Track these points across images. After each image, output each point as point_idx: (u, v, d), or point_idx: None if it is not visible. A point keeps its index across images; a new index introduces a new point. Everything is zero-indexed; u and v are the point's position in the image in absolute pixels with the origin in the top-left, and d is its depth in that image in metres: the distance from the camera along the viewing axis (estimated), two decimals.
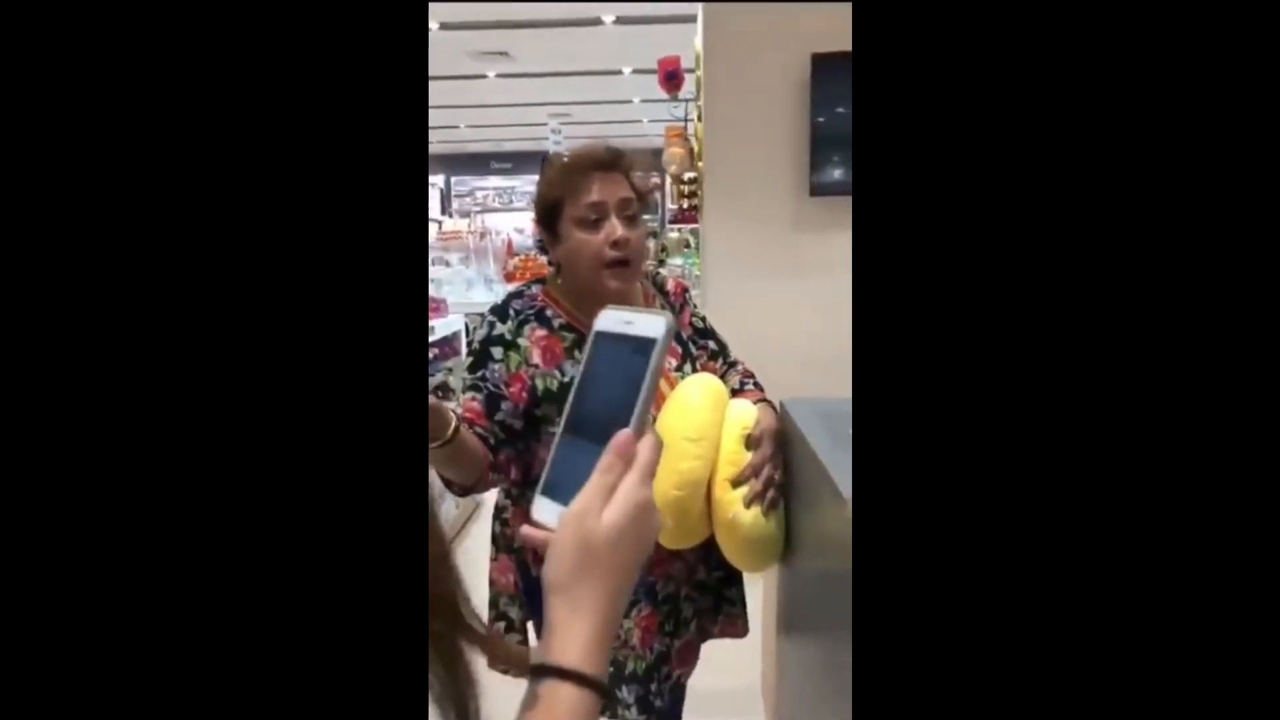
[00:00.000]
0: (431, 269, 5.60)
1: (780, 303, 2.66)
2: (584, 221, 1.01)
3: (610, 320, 0.48)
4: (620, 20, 5.17)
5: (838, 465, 0.84)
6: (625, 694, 1.06)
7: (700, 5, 2.64)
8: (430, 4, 4.82)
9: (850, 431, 0.97)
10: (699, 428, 1.00)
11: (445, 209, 11.97)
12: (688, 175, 3.69)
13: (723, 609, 1.19)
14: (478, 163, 12.67)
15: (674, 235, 5.47)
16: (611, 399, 0.46)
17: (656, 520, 0.45)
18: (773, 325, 2.64)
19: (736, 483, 0.99)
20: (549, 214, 1.06)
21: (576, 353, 1.04)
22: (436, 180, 12.63)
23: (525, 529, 0.46)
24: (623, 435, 0.44)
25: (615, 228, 1.00)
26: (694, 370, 1.12)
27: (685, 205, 3.97)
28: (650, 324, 0.46)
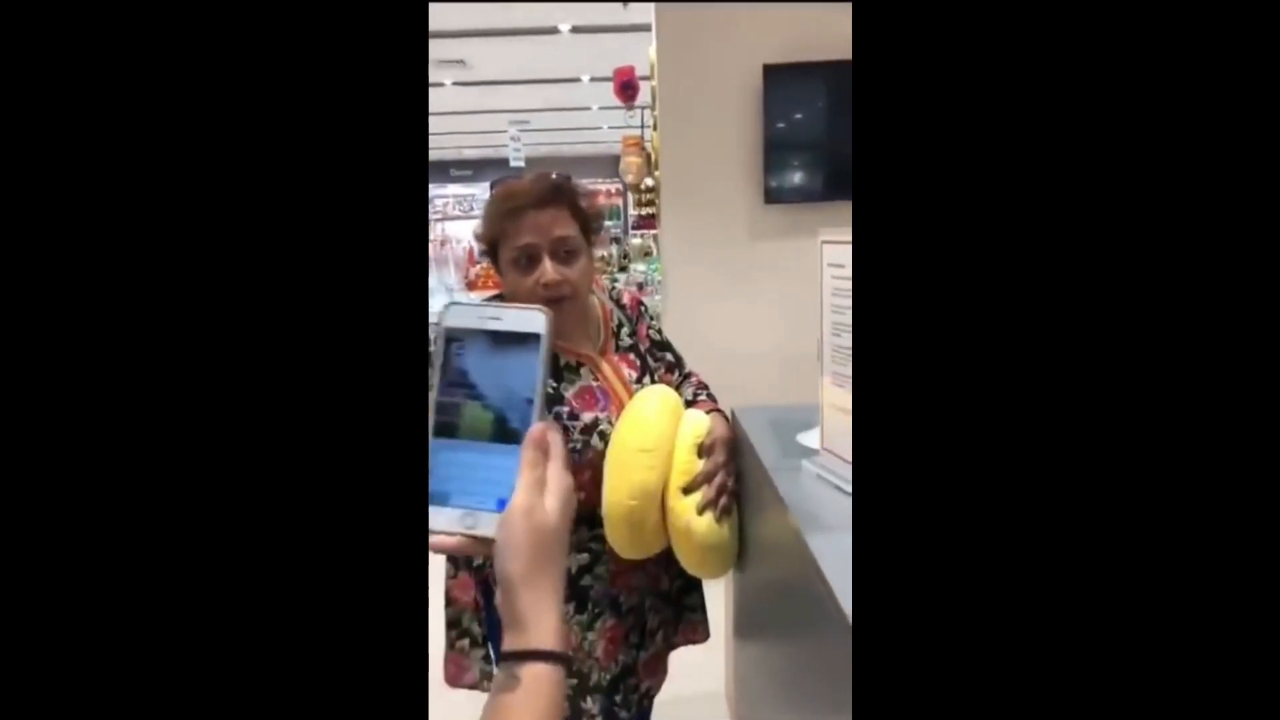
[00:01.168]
0: None
1: (738, 309, 2.70)
2: (516, 263, 1.03)
3: (467, 317, 0.48)
4: (577, 29, 5.19)
5: (782, 473, 0.86)
6: (590, 705, 1.07)
7: (654, 13, 2.67)
8: None
9: (797, 439, 1.00)
10: (654, 439, 1.01)
11: None
12: (645, 183, 3.71)
13: (684, 616, 1.20)
14: (438, 171, 12.55)
15: (636, 241, 5.49)
16: (495, 396, 0.46)
17: (574, 500, 0.48)
18: (732, 331, 2.68)
19: (688, 490, 1.01)
20: (491, 250, 1.08)
21: None
22: None
23: (435, 539, 0.47)
24: (538, 429, 0.45)
25: (546, 270, 1.01)
26: (652, 382, 1.14)
27: (643, 214, 3.99)
28: (527, 319, 0.47)
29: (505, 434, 0.46)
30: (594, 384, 1.08)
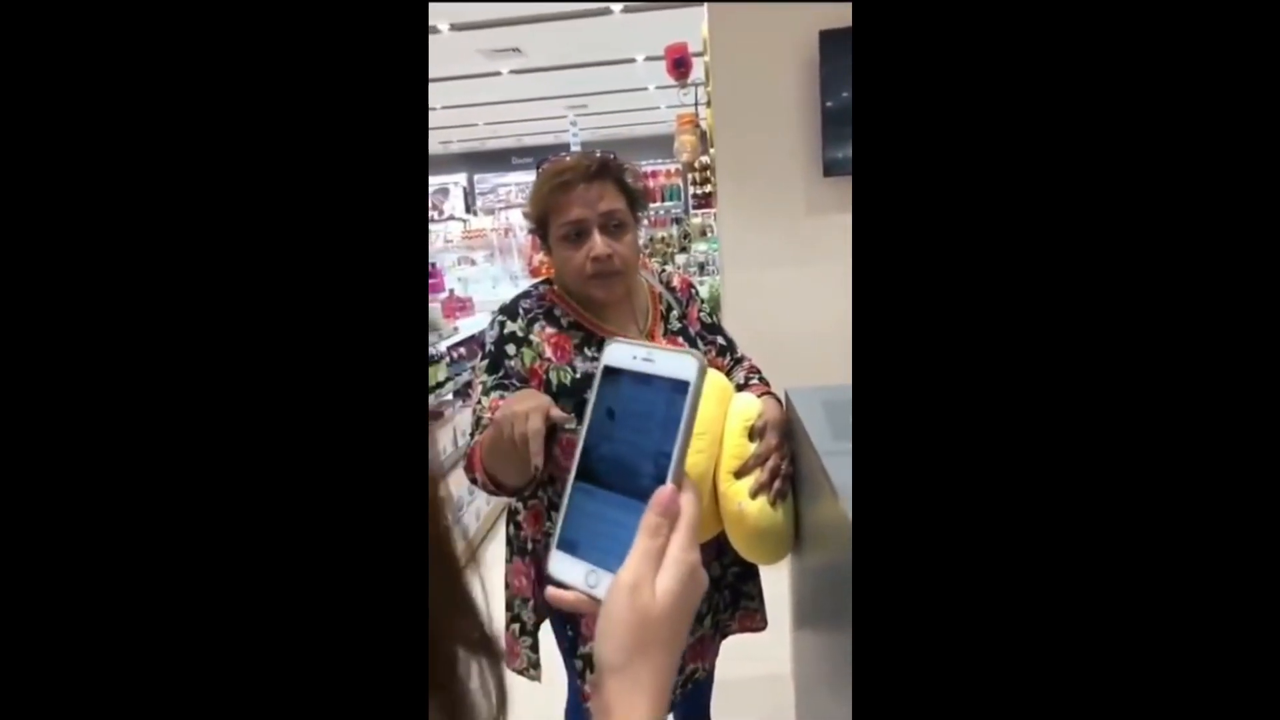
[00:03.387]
0: (458, 268, 5.65)
1: (797, 286, 2.63)
2: (566, 238, 1.02)
3: (622, 355, 0.44)
4: (628, 9, 5.13)
5: (834, 458, 0.83)
6: None
7: None
8: (439, 5, 4.85)
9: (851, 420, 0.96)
10: (702, 422, 1.00)
11: (470, 207, 12.07)
12: (701, 160, 3.66)
13: (740, 604, 1.19)
14: (499, 159, 12.73)
15: (697, 221, 5.44)
16: (637, 446, 0.41)
17: (704, 580, 0.41)
18: (791, 306, 2.61)
19: (740, 474, 0.99)
20: (540, 226, 1.07)
21: (586, 349, 1.04)
22: (459, 179, 12.72)
23: (551, 591, 0.44)
24: (666, 492, 0.39)
25: (595, 244, 1.00)
26: None
27: (699, 192, 3.94)
28: (677, 364, 0.41)
29: (638, 489, 0.41)
30: None
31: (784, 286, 2.66)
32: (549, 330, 1.05)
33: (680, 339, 1.13)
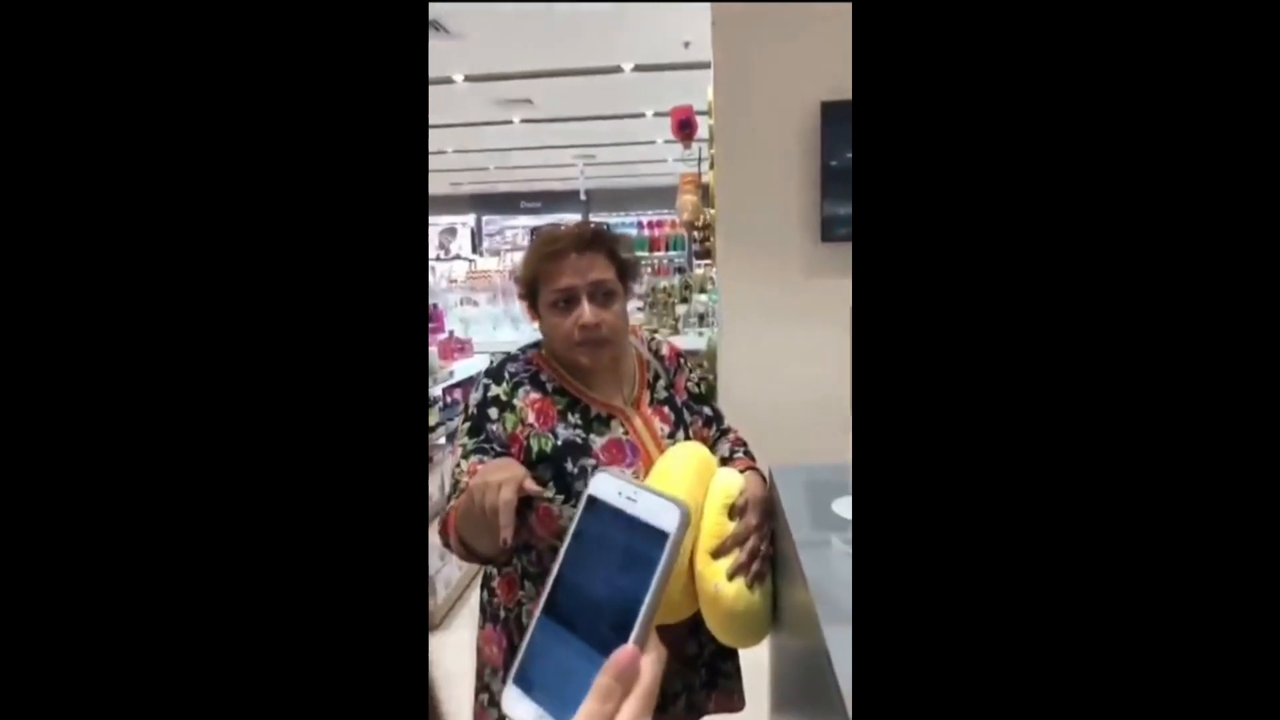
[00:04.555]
0: (459, 309, 5.68)
1: (795, 348, 2.65)
2: (555, 305, 1.04)
3: (607, 489, 0.41)
4: (639, 67, 5.28)
5: (810, 549, 0.83)
6: None
7: (712, 52, 2.69)
8: (454, 57, 4.98)
9: (832, 507, 0.96)
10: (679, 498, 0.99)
11: (476, 248, 12.21)
12: (702, 218, 3.72)
13: (717, 682, 1.17)
14: (508, 202, 12.93)
15: (699, 272, 5.49)
16: (606, 590, 0.39)
17: None
18: (787, 373, 2.63)
19: (718, 554, 0.98)
20: (529, 292, 1.09)
21: (570, 416, 1.05)
22: (468, 220, 12.90)
23: None
24: (625, 654, 0.37)
25: (584, 312, 1.02)
26: (686, 437, 1.12)
27: (698, 249, 3.99)
28: (660, 510, 0.39)
29: (600, 639, 0.38)
30: (624, 437, 1.07)
31: (780, 348, 2.67)
32: (533, 395, 1.06)
33: (666, 408, 1.13)
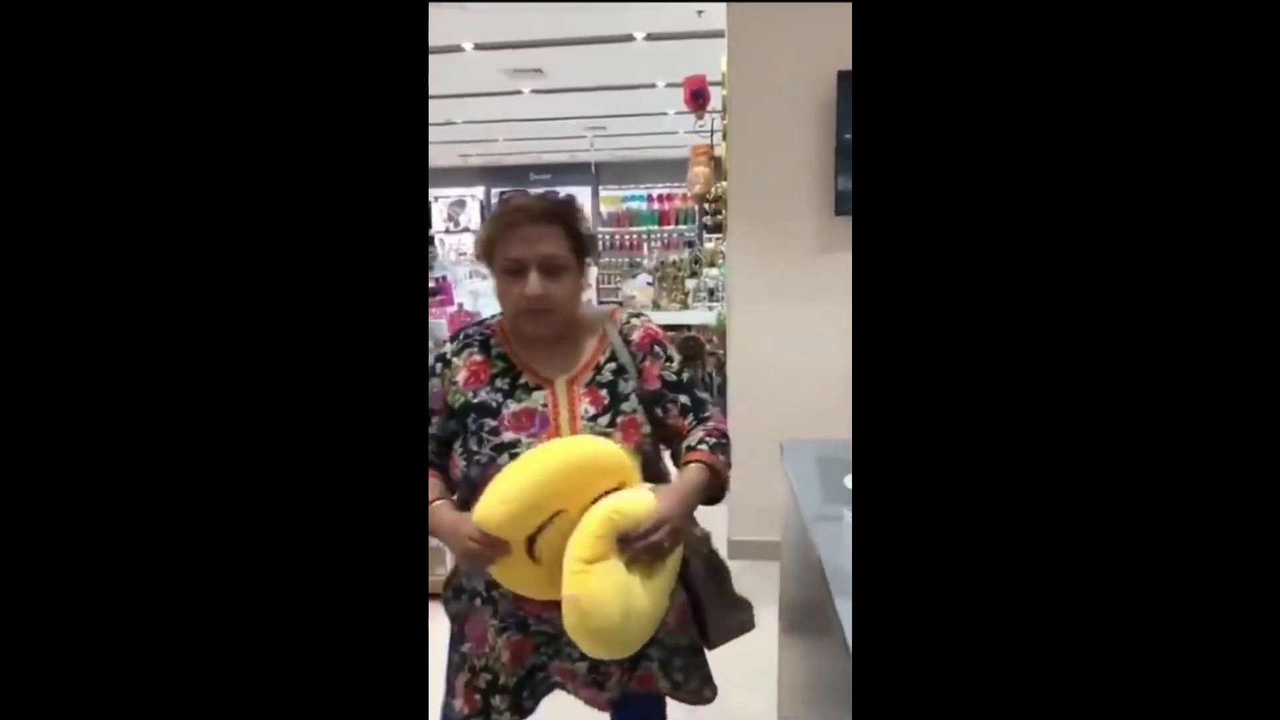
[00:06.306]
0: (469, 281, 5.68)
1: (806, 324, 2.63)
2: (506, 272, 1.07)
3: None
4: (651, 36, 5.19)
5: (822, 524, 0.83)
6: (498, 703, 1.10)
7: (726, 21, 2.63)
8: (465, 24, 4.92)
9: (844, 481, 0.95)
10: (518, 488, 0.96)
11: (485, 220, 12.14)
12: (714, 190, 3.68)
13: (640, 665, 1.13)
14: (518, 174, 12.84)
15: (710, 246, 5.45)
16: None
17: None
18: (797, 348, 2.61)
19: (577, 573, 0.95)
20: (486, 256, 1.11)
21: (499, 380, 1.07)
22: (477, 192, 12.84)
23: None
24: None
25: (530, 281, 1.04)
26: (612, 423, 1.07)
27: (709, 222, 3.95)
28: None
29: None
30: (540, 408, 1.06)
31: (791, 324, 2.65)
32: (476, 357, 1.10)
33: (602, 391, 1.09)
